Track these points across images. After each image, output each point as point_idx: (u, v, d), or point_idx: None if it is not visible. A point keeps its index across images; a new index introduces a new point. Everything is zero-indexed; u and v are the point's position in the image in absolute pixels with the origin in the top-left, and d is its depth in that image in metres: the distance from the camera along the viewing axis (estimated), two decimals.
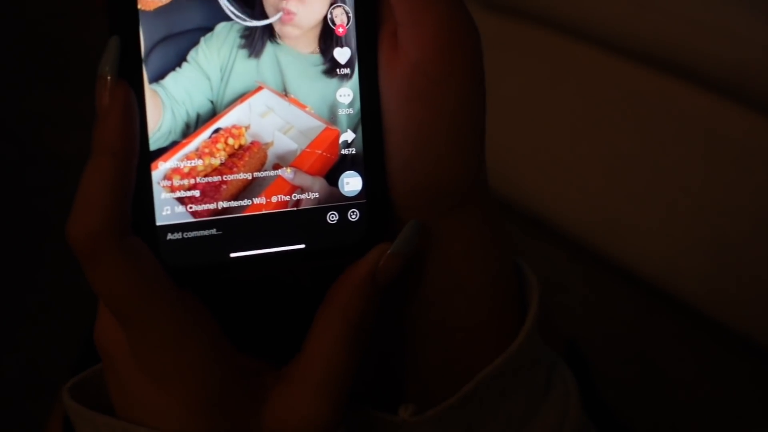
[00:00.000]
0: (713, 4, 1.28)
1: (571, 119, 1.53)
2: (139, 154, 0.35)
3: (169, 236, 0.36)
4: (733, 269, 1.36)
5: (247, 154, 0.37)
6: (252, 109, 0.38)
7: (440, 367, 0.40)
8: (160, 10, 0.36)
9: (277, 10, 0.37)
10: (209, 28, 0.37)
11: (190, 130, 0.37)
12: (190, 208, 0.36)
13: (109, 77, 0.34)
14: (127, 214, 0.34)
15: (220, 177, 0.37)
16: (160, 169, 0.36)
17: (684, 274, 1.43)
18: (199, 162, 0.37)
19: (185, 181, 0.36)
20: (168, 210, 0.36)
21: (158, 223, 0.35)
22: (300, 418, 0.35)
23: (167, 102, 0.36)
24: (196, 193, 0.36)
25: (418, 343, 0.40)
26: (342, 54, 0.38)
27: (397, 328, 0.40)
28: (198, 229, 0.36)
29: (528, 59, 1.55)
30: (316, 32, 0.38)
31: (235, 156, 0.37)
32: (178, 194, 0.36)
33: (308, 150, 0.38)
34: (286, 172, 0.38)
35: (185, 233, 0.36)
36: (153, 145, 0.36)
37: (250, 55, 0.37)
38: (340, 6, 0.38)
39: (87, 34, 1.96)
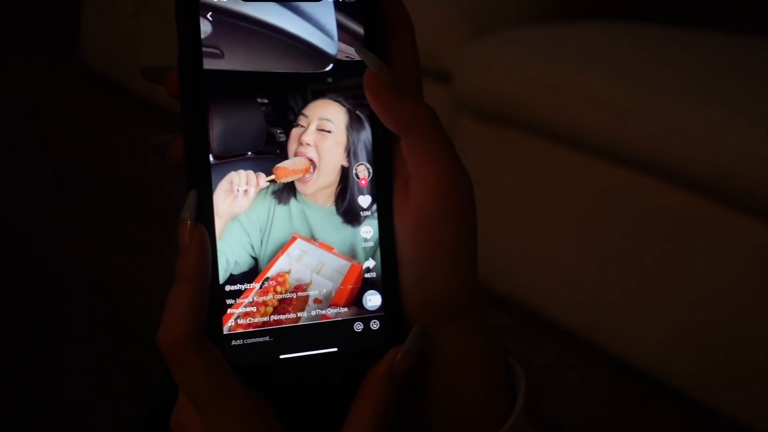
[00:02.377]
0: (690, 112, 1.37)
1: (561, 219, 1.61)
2: (211, 280, 0.44)
3: (234, 342, 0.45)
4: (718, 354, 1.42)
5: (294, 300, 0.47)
6: (290, 256, 0.47)
7: None
8: (224, 167, 0.45)
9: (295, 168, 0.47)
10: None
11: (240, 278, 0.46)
12: (252, 320, 0.46)
13: (189, 221, 0.44)
14: (203, 326, 0.44)
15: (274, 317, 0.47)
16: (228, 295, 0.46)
17: (672, 361, 1.49)
18: (255, 309, 0.46)
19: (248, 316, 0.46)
20: (233, 323, 0.45)
21: (226, 332, 0.45)
22: None
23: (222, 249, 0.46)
24: (255, 308, 0.46)
25: (430, 427, 0.49)
26: (364, 200, 0.47)
27: (412, 415, 0.49)
28: (255, 337, 0.45)
29: (518, 164, 1.64)
30: (333, 188, 0.47)
31: (285, 302, 0.46)
32: (243, 309, 0.46)
33: (341, 287, 0.47)
34: (328, 311, 0.47)
35: (246, 339, 0.45)
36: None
37: (281, 207, 0.47)
38: (362, 164, 0.47)
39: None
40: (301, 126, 0.47)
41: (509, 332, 1.70)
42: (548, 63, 1.56)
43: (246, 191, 0.45)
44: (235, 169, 0.45)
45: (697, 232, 1.42)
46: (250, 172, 0.46)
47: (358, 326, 0.47)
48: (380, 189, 0.48)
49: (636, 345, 1.55)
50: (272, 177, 0.46)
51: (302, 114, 0.47)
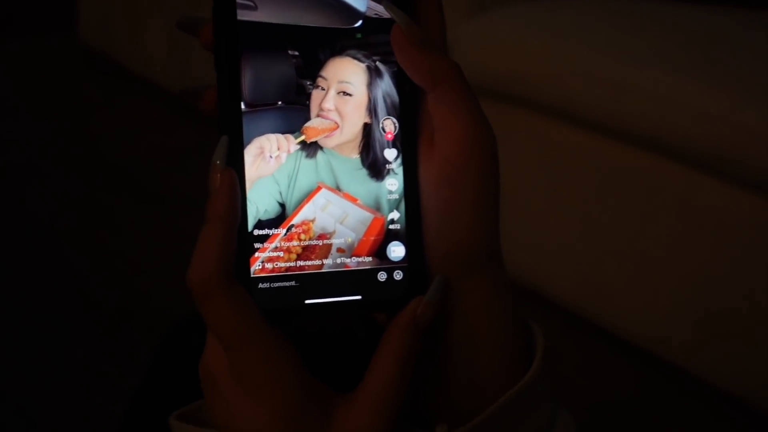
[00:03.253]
0: (689, 88, 1.38)
1: (561, 195, 1.61)
2: (240, 222, 0.46)
3: (260, 285, 0.46)
4: (719, 332, 1.43)
5: (317, 248, 0.48)
6: (315, 205, 0.48)
7: (466, 397, 0.50)
8: (256, 115, 0.47)
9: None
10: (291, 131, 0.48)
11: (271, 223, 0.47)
12: (276, 265, 0.47)
13: (219, 163, 0.46)
14: (231, 266, 0.45)
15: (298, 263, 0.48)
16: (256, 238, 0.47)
17: (674, 339, 1.50)
18: (281, 254, 0.47)
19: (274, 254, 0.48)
20: (260, 266, 0.47)
21: (252, 275, 0.47)
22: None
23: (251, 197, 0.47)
24: (281, 254, 0.47)
25: (449, 377, 0.50)
26: (390, 153, 0.49)
27: (432, 364, 0.50)
28: (280, 281, 0.47)
29: (518, 140, 1.64)
30: (357, 142, 0.49)
31: (308, 250, 0.48)
32: (269, 254, 0.47)
33: (363, 238, 0.48)
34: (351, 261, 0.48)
35: (272, 283, 0.47)
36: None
37: (308, 159, 0.48)
38: (389, 119, 0.49)
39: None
40: (321, 88, 0.48)
41: None
42: (547, 39, 1.56)
43: (278, 156, 0.47)
44: (266, 120, 0.47)
45: (700, 209, 1.43)
46: (281, 136, 0.47)
47: (382, 276, 0.48)
48: (406, 142, 0.49)
49: (637, 323, 1.56)
50: (302, 138, 0.48)
51: (321, 76, 0.48)
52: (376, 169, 0.48)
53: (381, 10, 0.48)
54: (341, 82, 0.48)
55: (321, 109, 0.48)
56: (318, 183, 0.48)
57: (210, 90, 0.48)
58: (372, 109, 0.48)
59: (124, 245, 1.95)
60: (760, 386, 1.40)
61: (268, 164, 0.47)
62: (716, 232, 1.41)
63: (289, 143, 0.47)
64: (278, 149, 0.47)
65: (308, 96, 0.48)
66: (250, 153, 0.46)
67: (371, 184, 0.48)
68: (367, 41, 0.48)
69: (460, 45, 1.67)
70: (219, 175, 0.45)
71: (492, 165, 0.48)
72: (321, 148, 0.48)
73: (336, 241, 0.48)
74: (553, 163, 1.61)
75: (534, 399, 0.50)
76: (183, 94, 0.50)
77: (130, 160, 2.33)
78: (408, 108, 0.49)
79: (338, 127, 0.48)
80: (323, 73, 0.48)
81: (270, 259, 0.47)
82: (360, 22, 0.48)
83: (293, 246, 0.47)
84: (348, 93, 0.48)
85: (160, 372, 0.70)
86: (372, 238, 0.48)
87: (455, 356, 0.49)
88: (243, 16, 0.46)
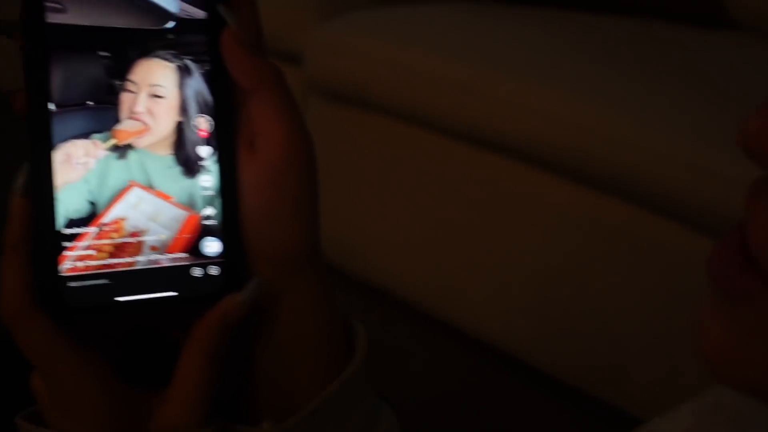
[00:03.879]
0: (534, 89, 1.42)
1: (412, 198, 1.64)
2: (49, 232, 0.46)
3: (71, 284, 0.47)
4: (560, 326, 1.48)
5: (130, 246, 0.48)
6: (127, 203, 0.48)
7: (289, 395, 0.51)
8: (66, 116, 0.47)
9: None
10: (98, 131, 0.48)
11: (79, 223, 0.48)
12: (88, 263, 0.47)
13: (17, 191, 0.47)
14: (31, 294, 0.46)
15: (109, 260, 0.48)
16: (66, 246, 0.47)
17: (518, 333, 1.54)
18: (92, 253, 0.48)
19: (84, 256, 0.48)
20: (70, 264, 0.47)
21: (62, 273, 0.47)
22: (176, 426, 0.47)
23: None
24: (92, 252, 0.48)
25: (271, 376, 0.51)
26: (204, 150, 0.49)
27: (252, 362, 0.51)
28: (91, 279, 0.47)
29: (369, 144, 1.66)
30: (170, 141, 0.49)
31: (120, 248, 0.48)
32: (79, 252, 0.47)
33: (177, 236, 0.49)
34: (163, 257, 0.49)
35: (83, 282, 0.47)
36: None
37: (120, 159, 0.48)
38: (202, 117, 0.49)
39: None
40: (131, 91, 0.48)
41: (361, 311, 1.72)
42: (395, 43, 1.58)
43: (86, 162, 0.47)
44: (77, 121, 0.47)
45: (537, 204, 1.47)
46: (88, 142, 0.47)
47: (197, 272, 0.49)
48: (222, 141, 0.49)
49: (484, 319, 1.59)
50: (113, 141, 0.48)
51: (130, 79, 0.48)
52: (189, 166, 0.49)
53: (193, 12, 0.49)
54: (152, 84, 0.49)
55: (132, 112, 0.48)
56: (129, 181, 0.48)
57: (19, 91, 0.47)
58: (184, 108, 0.49)
59: None
60: (597, 376, 1.45)
61: (76, 169, 0.47)
62: (557, 228, 1.46)
63: (98, 148, 0.47)
64: (86, 156, 0.47)
65: (119, 97, 0.48)
66: (58, 157, 0.47)
67: (185, 182, 0.49)
68: (179, 41, 0.49)
69: (311, 50, 1.68)
70: (15, 202, 0.46)
71: (312, 170, 0.50)
72: (133, 147, 0.48)
73: (149, 239, 0.48)
74: (404, 166, 1.64)
75: (355, 396, 0.52)
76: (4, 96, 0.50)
77: None
78: (223, 107, 0.50)
79: (149, 128, 0.48)
80: (133, 74, 0.48)
81: (81, 258, 0.47)
82: (172, 23, 0.49)
83: (104, 244, 0.47)
84: (158, 95, 0.49)
85: (5, 372, 0.71)
86: (186, 236, 0.49)
87: (276, 355, 0.51)
88: (51, 18, 0.47)
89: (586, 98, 1.38)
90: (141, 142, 0.48)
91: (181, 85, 0.49)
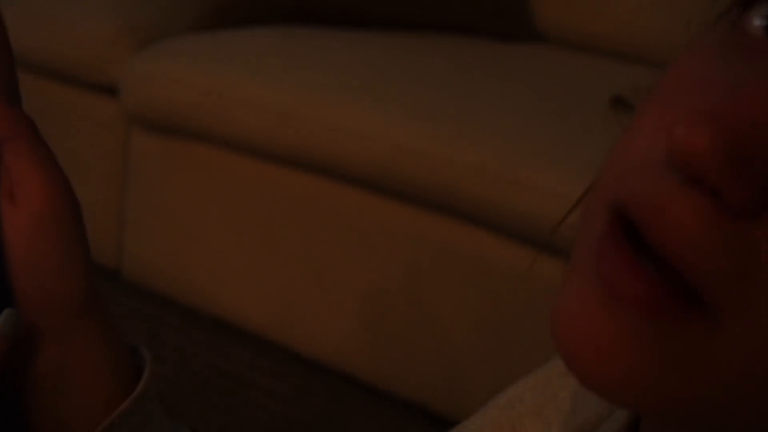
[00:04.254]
0: (348, 111, 1.44)
1: (241, 224, 1.63)
2: None
3: None
4: (397, 344, 1.49)
5: None
6: None
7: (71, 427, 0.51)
8: None
9: None
10: None
11: None
12: None
13: None
14: None
15: None
16: None
17: (357, 354, 1.55)
18: None
19: None
20: None
21: None
22: None
23: None
24: None
25: (48, 416, 0.51)
26: None
27: (27, 400, 0.51)
28: None
29: (194, 173, 1.65)
30: None
31: None
32: None
33: None
34: None
35: None
36: None
37: None
38: None
39: None
40: None
41: (200, 343, 1.70)
42: (211, 71, 1.58)
43: None
44: None
45: (364, 225, 1.48)
46: None
47: None
48: None
49: (321, 342, 1.59)
50: None
51: None
52: None
53: None
54: None
55: None
56: None
57: None
58: None
59: None
60: (437, 392, 1.47)
61: None
62: (385, 248, 1.47)
63: None
64: None
65: None
66: None
67: None
68: None
69: (128, 81, 1.65)
70: None
71: (74, 216, 0.50)
72: None
73: None
74: (227, 192, 1.62)
75: (137, 428, 0.52)
76: None
77: None
78: None
79: None
80: None
81: None
82: None
83: None
84: None
85: None
86: None
87: (54, 396, 0.50)
88: None
89: (402, 117, 1.40)
90: None
91: None
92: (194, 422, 1.55)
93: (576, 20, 1.78)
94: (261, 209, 1.59)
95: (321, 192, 1.51)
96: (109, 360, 0.52)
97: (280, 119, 1.47)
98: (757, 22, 0.31)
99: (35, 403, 0.51)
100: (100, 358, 0.51)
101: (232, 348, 1.69)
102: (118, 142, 1.71)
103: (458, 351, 1.44)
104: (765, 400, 0.29)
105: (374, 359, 1.53)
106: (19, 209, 0.49)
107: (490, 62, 1.61)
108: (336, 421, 1.57)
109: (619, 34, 1.75)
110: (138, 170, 1.69)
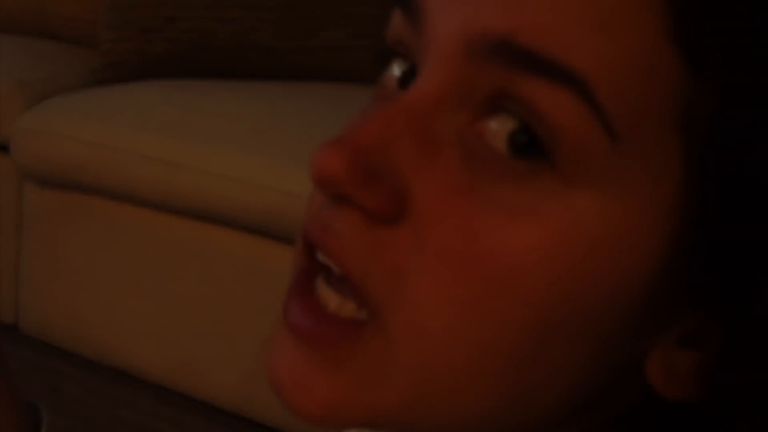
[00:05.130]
0: (237, 160, 1.48)
1: (136, 274, 1.64)
2: None
3: None
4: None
5: None
6: None
7: None
8: None
9: None
10: None
11: None
12: None
13: None
14: None
15: None
16: None
17: (255, 397, 1.57)
18: None
19: None
20: None
21: None
22: None
23: None
24: None
25: None
26: None
27: None
28: None
29: (88, 226, 1.66)
30: None
31: None
32: None
33: None
34: None
35: None
36: None
37: None
38: None
39: None
40: None
41: (101, 394, 1.70)
42: (101, 124, 1.60)
43: None
44: None
45: (258, 269, 1.51)
46: None
47: None
48: None
49: (222, 387, 1.61)
50: None
51: None
52: None
53: None
54: None
55: None
56: None
57: None
58: None
59: None
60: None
61: None
62: (282, 292, 1.49)
63: None
64: None
65: None
66: None
67: None
68: None
69: (18, 138, 1.66)
70: None
71: None
72: None
73: None
74: (123, 243, 1.64)
75: None
76: None
77: None
78: None
79: None
80: None
81: None
82: None
83: None
84: None
85: None
86: None
87: None
88: None
89: (291, 165, 1.44)
90: None
91: None
92: None
93: None
94: (156, 258, 1.61)
95: (214, 239, 1.54)
96: (9, 416, 0.52)
97: (171, 170, 1.50)
98: (396, 71, 0.37)
99: None
100: (0, 414, 0.52)
101: (133, 397, 1.69)
102: (11, 196, 1.71)
103: None
104: (444, 395, 0.33)
105: (275, 401, 1.55)
106: None
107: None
108: None
109: None
110: (33, 224, 1.69)
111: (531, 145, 0.32)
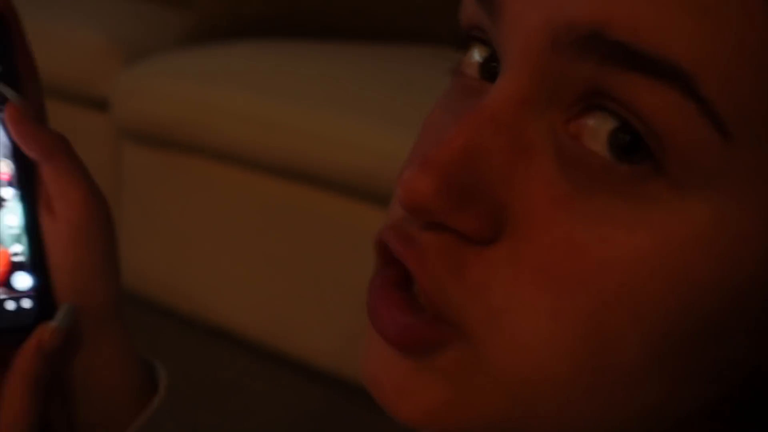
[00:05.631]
0: (333, 121, 1.46)
1: (233, 234, 1.65)
2: None
3: None
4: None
5: None
6: None
7: (100, 425, 0.54)
8: None
9: None
10: None
11: None
12: None
13: None
14: None
15: None
16: None
17: (350, 360, 1.56)
18: None
19: None
20: None
21: None
22: None
23: None
24: None
25: (81, 414, 0.54)
26: (6, 192, 0.51)
27: (69, 393, 0.54)
28: None
29: (184, 184, 1.67)
30: None
31: None
32: None
33: None
34: None
35: None
36: None
37: None
38: (3, 160, 0.51)
39: None
40: None
41: (196, 352, 1.72)
42: (198, 83, 1.60)
43: None
44: None
45: (354, 231, 1.49)
46: None
47: (11, 305, 0.50)
48: (23, 182, 0.51)
49: (317, 347, 1.61)
50: None
51: None
52: None
53: None
54: None
55: None
56: None
57: None
58: None
59: None
60: None
61: None
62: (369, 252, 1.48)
63: None
64: None
65: None
66: None
67: None
68: None
69: (118, 95, 1.67)
70: None
71: (109, 227, 0.52)
72: None
73: None
74: (219, 203, 1.65)
75: None
76: None
77: None
78: (22, 155, 0.52)
79: None
80: None
81: None
82: None
83: None
84: None
85: None
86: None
87: (74, 399, 0.53)
88: None
89: (386, 126, 1.42)
90: None
91: None
92: (192, 429, 1.57)
93: None
94: (252, 218, 1.61)
95: (310, 200, 1.53)
96: (129, 369, 0.54)
97: (266, 130, 1.50)
98: (476, 57, 0.35)
99: (54, 402, 0.53)
100: (121, 367, 0.54)
101: (227, 355, 1.70)
102: (110, 155, 1.74)
103: None
104: (546, 409, 0.32)
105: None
106: (58, 220, 0.51)
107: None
108: (332, 426, 1.58)
109: None
110: (131, 182, 1.72)
111: (634, 146, 0.29)
